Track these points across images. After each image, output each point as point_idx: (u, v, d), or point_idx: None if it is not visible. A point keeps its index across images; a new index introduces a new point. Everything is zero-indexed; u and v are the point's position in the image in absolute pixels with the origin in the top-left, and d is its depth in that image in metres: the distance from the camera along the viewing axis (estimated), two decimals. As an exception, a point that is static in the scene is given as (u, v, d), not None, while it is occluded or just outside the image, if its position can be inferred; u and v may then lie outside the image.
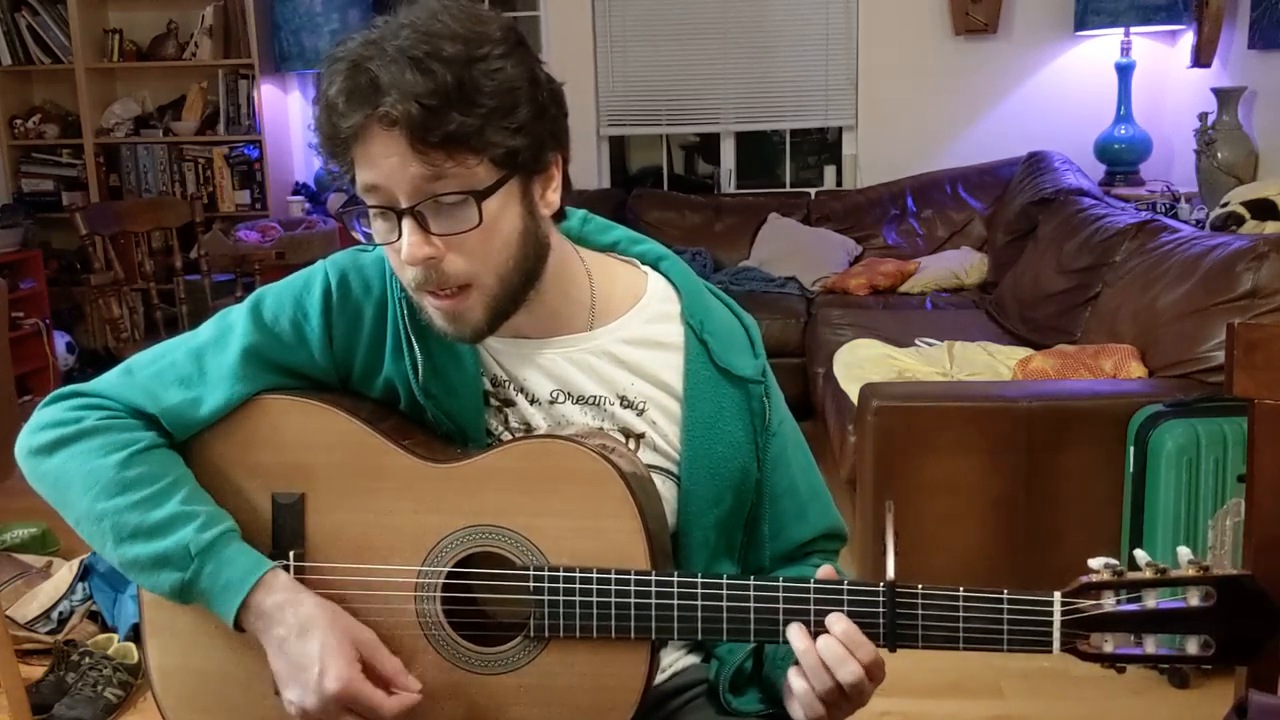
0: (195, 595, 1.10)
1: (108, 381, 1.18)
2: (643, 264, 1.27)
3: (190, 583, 1.09)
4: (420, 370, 1.16)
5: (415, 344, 1.16)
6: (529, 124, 1.04)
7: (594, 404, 1.19)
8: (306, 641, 1.06)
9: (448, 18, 1.03)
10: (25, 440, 1.16)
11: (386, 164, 1.02)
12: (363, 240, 1.10)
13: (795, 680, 1.06)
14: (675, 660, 1.26)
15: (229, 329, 1.19)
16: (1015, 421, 2.58)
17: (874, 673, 1.05)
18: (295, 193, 5.32)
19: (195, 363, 1.17)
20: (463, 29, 1.02)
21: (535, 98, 1.05)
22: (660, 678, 1.23)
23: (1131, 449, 2.44)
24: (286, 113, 5.43)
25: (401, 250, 1.05)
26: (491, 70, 1.02)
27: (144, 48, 5.31)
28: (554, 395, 1.19)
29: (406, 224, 1.04)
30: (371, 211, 1.06)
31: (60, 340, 4.97)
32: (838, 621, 1.05)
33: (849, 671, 1.03)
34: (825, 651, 1.04)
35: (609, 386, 1.19)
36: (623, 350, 1.20)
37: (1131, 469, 2.44)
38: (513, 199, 1.07)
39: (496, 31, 1.04)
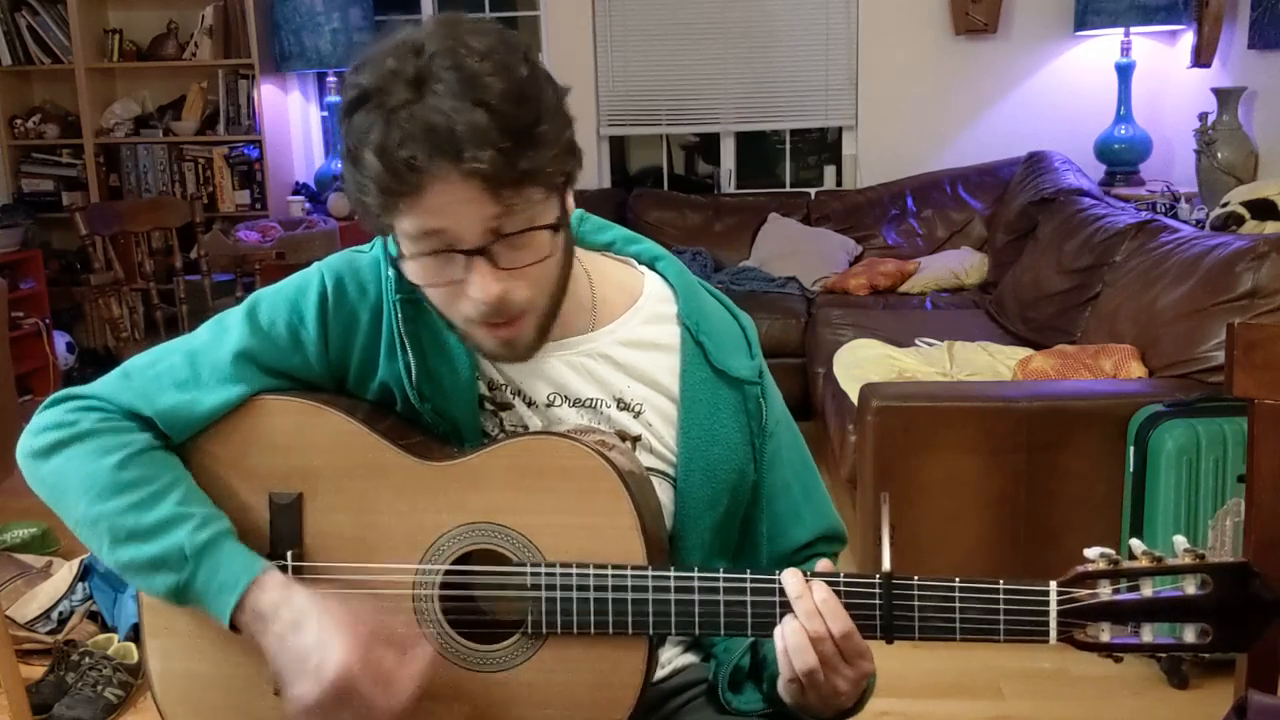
0: (191, 597, 1.09)
1: (105, 385, 1.18)
2: (639, 263, 1.27)
3: (185, 585, 1.09)
4: (414, 373, 1.16)
5: (409, 347, 1.16)
6: (569, 141, 1.05)
7: (590, 407, 1.19)
8: (302, 634, 1.05)
9: (476, 43, 1.00)
10: (24, 444, 1.17)
11: (455, 209, 1.00)
12: (415, 283, 1.09)
13: (777, 639, 1.06)
14: (674, 658, 1.26)
15: (224, 332, 1.19)
16: (1015, 421, 2.58)
17: (849, 650, 1.05)
18: (295, 193, 5.32)
19: (190, 366, 1.17)
20: (497, 54, 1.00)
21: (563, 109, 1.05)
22: (659, 675, 1.23)
23: (1131, 449, 2.44)
24: (286, 113, 5.42)
25: (472, 289, 1.04)
26: (536, 97, 1.01)
27: (144, 48, 5.31)
28: (551, 399, 1.19)
29: (479, 264, 1.03)
30: (422, 255, 1.05)
31: (60, 340, 4.97)
32: (819, 589, 1.06)
33: (816, 627, 1.04)
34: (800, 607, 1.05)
35: (605, 389, 1.19)
36: (619, 352, 1.20)
37: (1131, 469, 2.44)
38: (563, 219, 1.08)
39: (517, 48, 1.03)
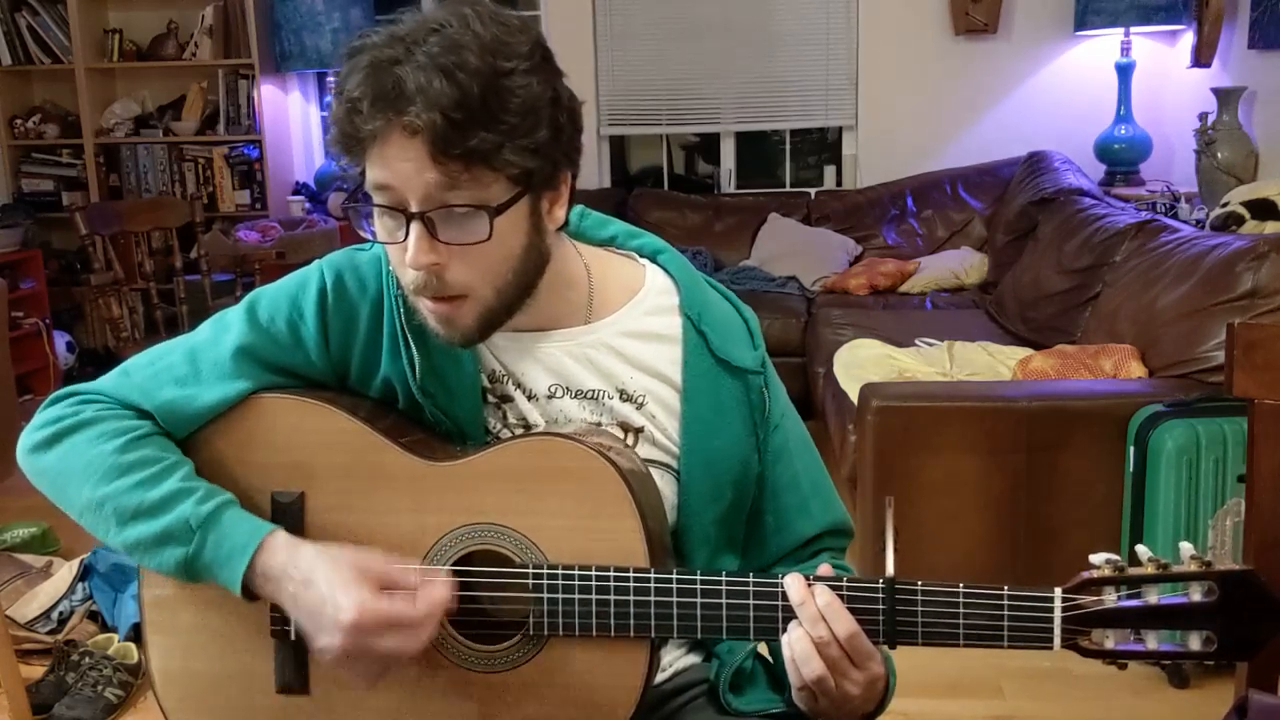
0: (200, 569, 1.09)
1: (104, 382, 1.19)
2: (640, 257, 1.27)
3: (194, 556, 1.09)
4: (418, 369, 1.16)
5: (412, 343, 1.16)
6: (546, 145, 1.04)
7: (592, 398, 1.19)
8: (312, 587, 1.06)
9: (478, 25, 1.02)
10: (23, 441, 1.17)
11: (402, 168, 1.02)
12: (366, 235, 1.11)
13: (785, 648, 1.06)
14: (675, 660, 1.26)
15: (225, 329, 1.19)
16: (1015, 421, 2.58)
17: (855, 652, 1.04)
18: (295, 193, 5.32)
19: (190, 363, 1.18)
20: (492, 40, 1.01)
21: (555, 118, 1.05)
22: (660, 677, 1.23)
23: (1131, 449, 2.44)
24: (286, 113, 5.42)
25: (407, 252, 1.05)
26: (517, 87, 1.01)
27: (144, 48, 5.31)
28: (552, 390, 1.19)
29: (415, 229, 1.04)
30: (377, 209, 1.07)
31: (60, 340, 4.97)
32: (822, 593, 1.05)
33: (820, 632, 1.04)
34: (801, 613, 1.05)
35: (608, 380, 1.19)
36: (621, 343, 1.20)
37: (1131, 469, 2.44)
38: (521, 215, 1.07)
39: (524, 45, 1.03)
